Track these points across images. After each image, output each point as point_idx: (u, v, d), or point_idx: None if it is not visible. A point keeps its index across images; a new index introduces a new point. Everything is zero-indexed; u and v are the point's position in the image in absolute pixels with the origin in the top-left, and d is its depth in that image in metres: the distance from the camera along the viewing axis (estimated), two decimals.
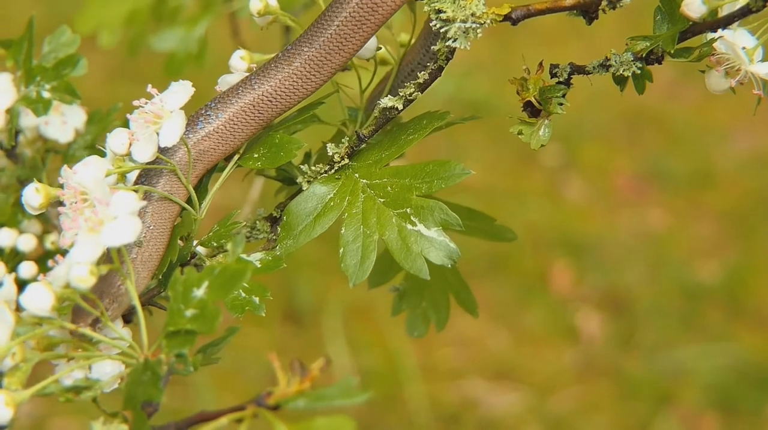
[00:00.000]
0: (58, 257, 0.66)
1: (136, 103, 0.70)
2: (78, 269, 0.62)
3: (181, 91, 0.70)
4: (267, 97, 0.73)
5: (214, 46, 1.29)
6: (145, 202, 0.70)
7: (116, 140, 0.70)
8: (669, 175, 2.67)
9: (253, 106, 0.73)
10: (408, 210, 0.72)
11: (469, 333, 2.27)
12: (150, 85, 0.70)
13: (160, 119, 0.70)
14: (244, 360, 2.11)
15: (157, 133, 0.70)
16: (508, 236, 0.91)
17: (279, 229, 0.75)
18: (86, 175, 0.67)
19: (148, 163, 0.72)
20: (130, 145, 0.70)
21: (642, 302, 2.36)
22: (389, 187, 0.74)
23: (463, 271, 0.92)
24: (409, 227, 0.72)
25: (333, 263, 2.26)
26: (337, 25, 0.72)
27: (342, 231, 0.73)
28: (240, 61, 0.77)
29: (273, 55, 0.79)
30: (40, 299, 0.62)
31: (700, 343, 2.26)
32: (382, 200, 0.73)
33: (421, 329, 0.91)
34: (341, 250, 0.72)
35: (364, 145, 0.76)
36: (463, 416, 2.14)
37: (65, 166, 0.68)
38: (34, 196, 0.70)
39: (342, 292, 2.25)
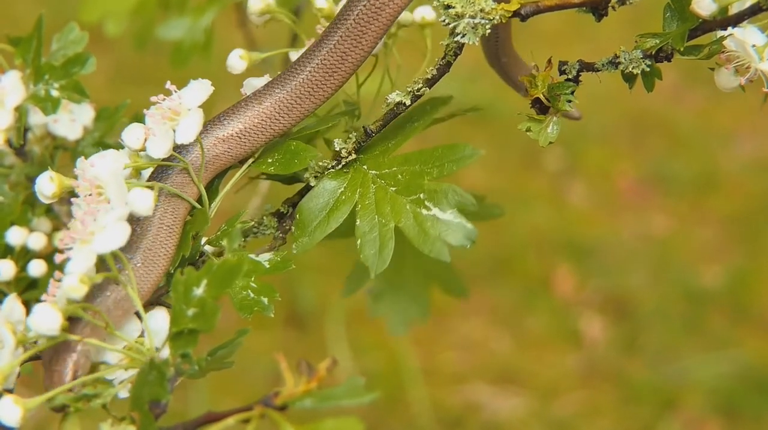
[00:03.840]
0: (56, 273, 0.66)
1: (153, 98, 0.70)
2: (69, 279, 0.62)
3: (200, 89, 0.71)
4: (237, 133, 0.74)
5: (221, 37, 1.29)
6: (129, 209, 0.70)
7: (131, 135, 0.70)
8: (673, 179, 2.67)
9: (223, 142, 0.74)
10: (421, 195, 0.72)
11: (471, 337, 2.27)
12: (169, 82, 0.70)
13: (177, 116, 0.70)
14: (246, 363, 2.10)
15: (174, 130, 0.70)
16: (495, 213, 0.90)
17: (292, 227, 0.75)
18: (103, 168, 0.67)
19: (162, 161, 0.73)
20: (146, 140, 0.70)
21: (645, 307, 2.36)
22: (400, 175, 0.74)
23: (466, 274, 0.92)
24: (424, 212, 0.72)
25: (336, 266, 2.27)
26: (309, 71, 0.73)
27: (357, 223, 0.73)
28: (239, 61, 0.78)
29: (270, 53, 0.81)
30: (47, 319, 0.62)
31: (703, 348, 2.26)
32: (393, 189, 0.73)
33: (403, 327, 0.91)
34: (358, 241, 0.72)
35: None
36: (466, 420, 2.14)
37: (82, 158, 0.69)
38: (47, 184, 0.70)
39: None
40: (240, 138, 0.74)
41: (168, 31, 1.24)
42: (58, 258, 0.64)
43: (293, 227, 0.75)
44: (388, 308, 0.90)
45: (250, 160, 0.76)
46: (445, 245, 0.71)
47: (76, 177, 0.69)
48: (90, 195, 0.66)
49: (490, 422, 2.13)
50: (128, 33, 1.28)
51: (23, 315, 0.64)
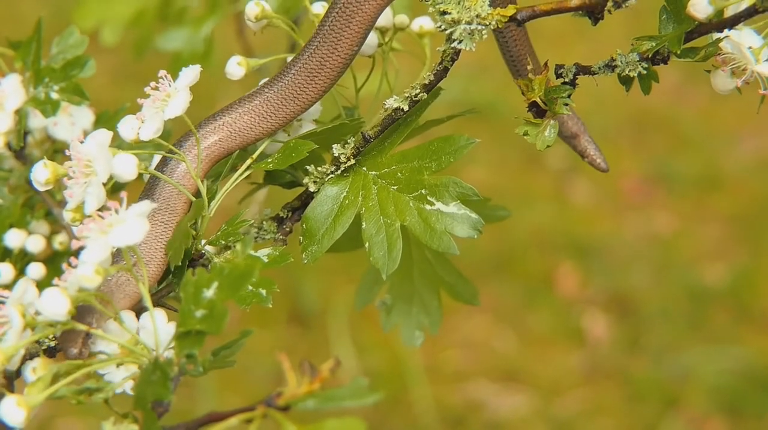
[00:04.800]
0: (72, 259, 0.67)
1: (147, 89, 0.72)
2: (84, 269, 0.62)
3: (189, 72, 0.72)
4: (229, 127, 0.75)
5: (221, 47, 1.29)
6: (155, 205, 0.71)
7: (126, 126, 0.72)
8: (675, 178, 2.67)
9: (216, 136, 0.75)
10: (423, 191, 0.72)
11: (474, 335, 2.27)
12: (162, 71, 0.72)
13: (169, 98, 0.71)
14: (249, 362, 2.11)
15: (163, 111, 0.71)
16: (501, 214, 0.90)
17: (301, 237, 0.75)
18: (91, 142, 0.69)
19: (157, 163, 0.73)
20: (139, 129, 0.72)
21: (648, 305, 2.36)
22: (399, 173, 0.74)
23: (469, 272, 0.92)
24: (428, 207, 0.72)
25: (338, 264, 2.27)
26: (292, 75, 0.75)
27: (363, 226, 0.73)
28: (237, 67, 0.78)
29: (268, 59, 0.82)
30: (55, 304, 0.62)
31: (706, 346, 2.26)
32: (395, 188, 0.74)
33: (418, 337, 0.91)
34: (366, 244, 0.73)
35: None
36: (469, 419, 2.14)
37: (74, 138, 0.70)
38: (41, 171, 0.70)
39: (347, 293, 2.26)
40: (231, 132, 0.75)
41: (167, 42, 1.24)
42: (74, 244, 0.64)
43: (301, 238, 0.75)
44: (400, 319, 0.90)
45: (248, 161, 0.76)
46: (452, 238, 0.71)
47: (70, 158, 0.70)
48: (78, 171, 0.68)
49: (493, 420, 2.13)
50: (127, 39, 1.28)
51: (36, 298, 0.65)
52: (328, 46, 0.73)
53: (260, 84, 0.77)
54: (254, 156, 0.77)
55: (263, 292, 0.70)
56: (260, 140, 0.76)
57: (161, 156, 0.75)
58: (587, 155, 0.82)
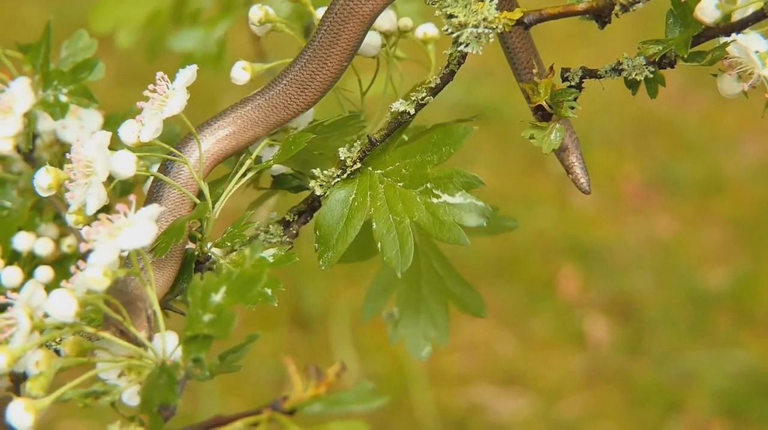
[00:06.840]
0: (80, 262, 0.67)
1: (146, 93, 0.72)
2: (92, 271, 0.62)
3: (186, 73, 0.73)
4: (223, 132, 0.77)
5: (234, 50, 1.29)
6: (163, 208, 0.71)
7: (127, 130, 0.72)
8: (678, 182, 2.67)
9: (214, 137, 0.76)
10: (428, 185, 0.73)
11: (476, 338, 2.27)
12: (160, 73, 0.72)
13: (167, 99, 0.72)
14: (251, 365, 2.11)
15: (161, 111, 0.72)
16: (510, 225, 0.90)
17: (315, 244, 0.76)
18: (91, 143, 0.69)
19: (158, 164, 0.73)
20: (140, 132, 0.72)
21: (650, 309, 2.36)
22: (403, 170, 0.74)
23: (471, 276, 0.92)
24: (434, 200, 0.73)
25: (340, 268, 2.27)
26: (284, 85, 0.76)
27: (374, 226, 0.74)
28: (242, 72, 0.79)
29: (273, 64, 0.82)
30: (63, 305, 0.62)
31: (708, 349, 2.26)
32: (401, 184, 0.74)
33: (426, 350, 0.90)
34: (379, 244, 0.73)
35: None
36: (470, 422, 2.14)
37: (75, 140, 0.70)
38: (44, 176, 0.71)
39: (349, 297, 2.26)
40: (227, 135, 0.76)
41: (179, 42, 1.24)
42: (83, 247, 0.64)
43: (316, 245, 0.76)
44: (408, 331, 0.90)
45: (248, 162, 0.77)
46: (461, 229, 0.72)
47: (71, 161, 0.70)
48: (78, 173, 0.69)
49: (495, 423, 2.13)
50: (138, 43, 1.27)
51: (44, 300, 0.65)
52: (318, 60, 0.75)
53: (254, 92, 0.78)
54: (253, 156, 0.77)
55: (269, 291, 0.70)
56: (252, 144, 0.77)
57: (162, 162, 0.75)
58: (572, 172, 0.80)
